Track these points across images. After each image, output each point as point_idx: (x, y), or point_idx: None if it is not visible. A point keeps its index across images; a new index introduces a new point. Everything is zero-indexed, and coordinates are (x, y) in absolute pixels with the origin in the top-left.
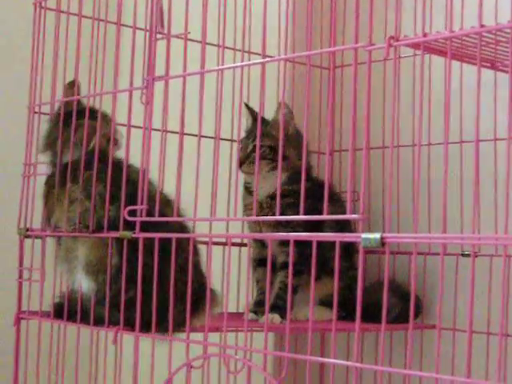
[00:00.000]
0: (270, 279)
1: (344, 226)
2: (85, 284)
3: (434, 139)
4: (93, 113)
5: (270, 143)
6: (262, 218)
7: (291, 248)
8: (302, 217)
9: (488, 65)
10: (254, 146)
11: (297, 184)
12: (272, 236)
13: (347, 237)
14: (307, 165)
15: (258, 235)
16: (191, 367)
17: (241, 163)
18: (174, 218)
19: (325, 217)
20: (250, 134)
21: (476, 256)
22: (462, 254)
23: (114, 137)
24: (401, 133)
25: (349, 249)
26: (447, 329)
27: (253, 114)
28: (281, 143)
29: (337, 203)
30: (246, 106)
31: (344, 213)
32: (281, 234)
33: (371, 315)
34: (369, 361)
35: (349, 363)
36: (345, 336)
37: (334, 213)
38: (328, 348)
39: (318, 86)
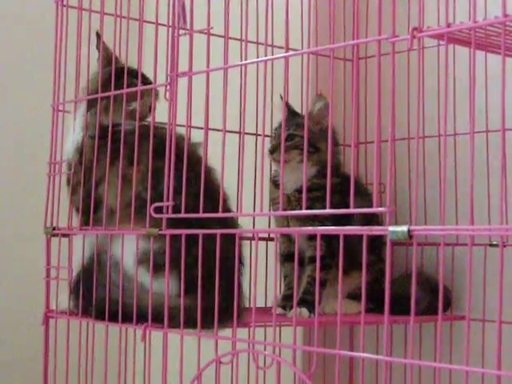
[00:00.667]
0: (297, 273)
1: (371, 220)
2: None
3: (459, 129)
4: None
5: (304, 134)
6: (287, 212)
7: (318, 242)
8: (327, 210)
9: None
10: (289, 135)
11: (326, 178)
12: (299, 231)
13: (374, 230)
14: (337, 160)
15: (284, 230)
16: (220, 363)
17: (273, 151)
18: (200, 215)
19: (350, 210)
20: (285, 123)
21: (504, 246)
22: (490, 245)
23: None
24: (426, 123)
25: (376, 242)
26: (476, 320)
27: (287, 106)
28: (305, 134)
29: (365, 197)
30: (282, 98)
31: (371, 207)
32: (307, 228)
33: (400, 307)
34: (398, 353)
35: (379, 357)
36: (374, 328)
37: (362, 207)
38: (357, 341)
39: (342, 78)
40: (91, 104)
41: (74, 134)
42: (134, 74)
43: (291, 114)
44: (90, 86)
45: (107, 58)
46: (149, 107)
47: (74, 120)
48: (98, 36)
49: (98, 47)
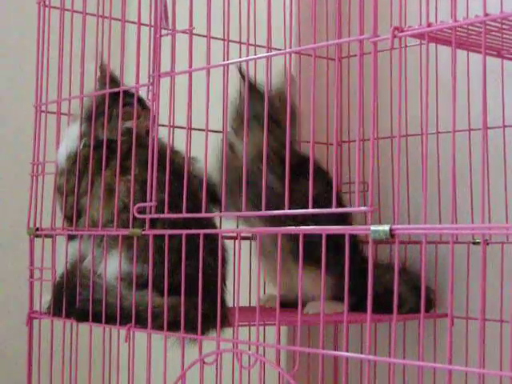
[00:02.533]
0: (280, 273)
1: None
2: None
3: (441, 128)
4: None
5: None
6: (272, 212)
7: (301, 242)
8: (310, 210)
9: (494, 53)
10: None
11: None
12: (281, 230)
13: (356, 229)
14: (294, 137)
15: (267, 230)
16: (204, 363)
17: (238, 130)
18: (183, 215)
19: (333, 210)
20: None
21: (487, 244)
22: (473, 243)
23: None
24: (408, 122)
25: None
26: (460, 317)
27: (248, 80)
28: (243, 122)
29: (322, 180)
30: (240, 70)
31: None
32: (290, 228)
33: (383, 305)
34: (383, 350)
35: (362, 356)
36: (358, 327)
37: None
38: (341, 340)
39: (325, 77)
40: (88, 118)
41: (68, 140)
42: (130, 93)
43: (251, 92)
44: (87, 102)
45: (106, 78)
46: (146, 130)
47: (68, 126)
48: (102, 68)
49: (101, 69)
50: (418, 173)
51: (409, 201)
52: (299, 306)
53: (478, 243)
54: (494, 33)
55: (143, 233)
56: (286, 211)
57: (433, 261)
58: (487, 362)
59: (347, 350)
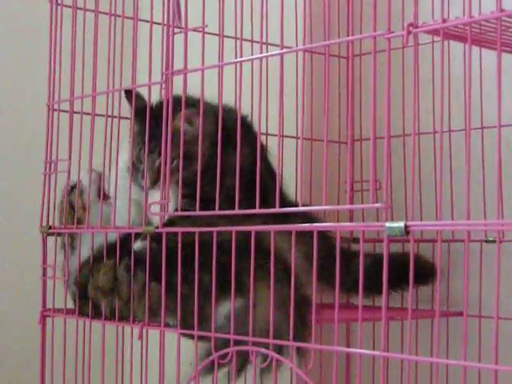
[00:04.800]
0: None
1: None
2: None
3: (454, 126)
4: None
5: (179, 151)
6: (285, 209)
7: (315, 238)
8: (325, 207)
9: (508, 49)
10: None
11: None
12: (295, 227)
13: (371, 226)
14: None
15: (280, 227)
16: (218, 361)
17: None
18: (198, 213)
19: (346, 207)
20: (151, 145)
21: (501, 242)
22: (486, 241)
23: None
24: (421, 120)
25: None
26: (473, 316)
27: (140, 110)
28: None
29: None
30: (128, 93)
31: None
32: (304, 225)
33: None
34: (395, 347)
35: (376, 353)
36: (370, 325)
37: None
38: (354, 336)
39: (337, 75)
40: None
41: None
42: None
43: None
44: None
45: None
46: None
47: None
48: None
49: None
50: (429, 171)
51: (421, 199)
52: (314, 306)
53: (492, 241)
54: (508, 29)
55: (156, 231)
56: (297, 208)
57: (445, 259)
58: (500, 361)
59: (361, 347)
